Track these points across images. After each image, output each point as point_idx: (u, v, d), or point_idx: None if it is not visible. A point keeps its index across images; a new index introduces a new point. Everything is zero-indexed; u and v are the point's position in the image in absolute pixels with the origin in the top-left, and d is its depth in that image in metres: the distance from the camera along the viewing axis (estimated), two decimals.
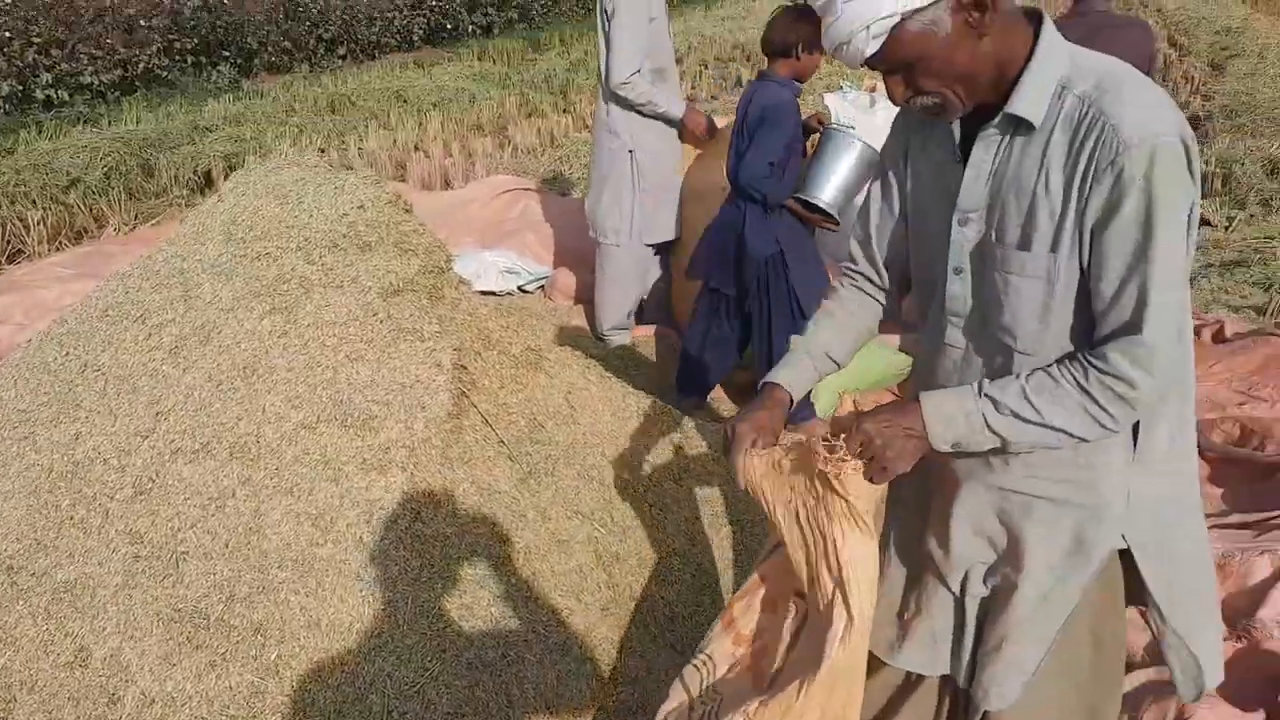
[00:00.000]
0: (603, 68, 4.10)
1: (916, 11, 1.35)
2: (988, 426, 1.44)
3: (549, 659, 2.26)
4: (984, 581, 1.69)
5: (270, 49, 12.24)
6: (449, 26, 15.15)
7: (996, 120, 1.45)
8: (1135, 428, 1.53)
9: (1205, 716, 2.22)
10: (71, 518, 2.44)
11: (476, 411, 2.61)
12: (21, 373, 2.93)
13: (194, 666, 2.17)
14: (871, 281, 1.77)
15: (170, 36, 11.05)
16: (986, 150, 1.47)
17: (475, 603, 2.26)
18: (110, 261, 5.08)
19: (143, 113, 9.25)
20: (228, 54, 11.70)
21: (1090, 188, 1.36)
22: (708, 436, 3.06)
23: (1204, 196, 6.74)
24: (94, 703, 2.18)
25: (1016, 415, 1.43)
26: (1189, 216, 1.38)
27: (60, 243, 6.03)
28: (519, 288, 5.14)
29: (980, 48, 1.39)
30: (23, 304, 4.62)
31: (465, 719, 2.11)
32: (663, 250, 4.52)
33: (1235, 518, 3.01)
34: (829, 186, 3.47)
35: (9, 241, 5.87)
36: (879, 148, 3.31)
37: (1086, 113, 1.37)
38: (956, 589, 1.72)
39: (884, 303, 1.78)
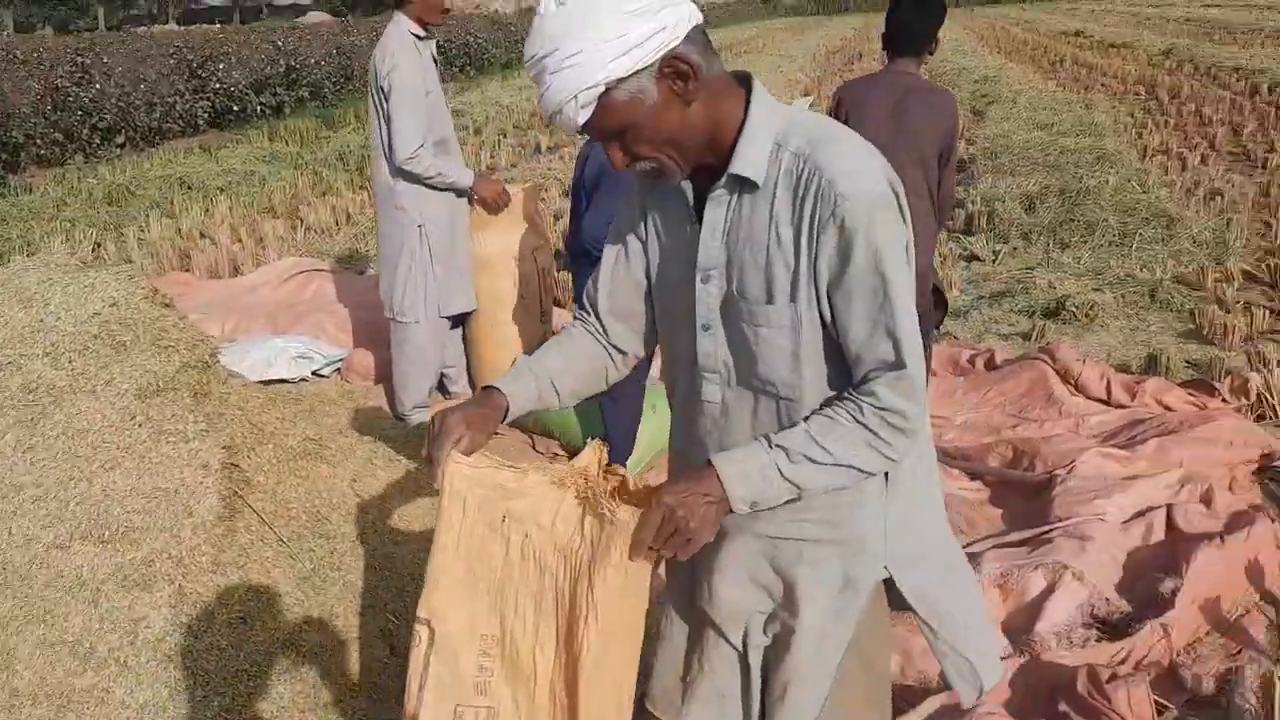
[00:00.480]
0: (385, 145, 4.06)
1: (621, 81, 1.38)
2: (783, 477, 1.46)
3: None
4: (764, 631, 1.71)
5: (39, 141, 11.55)
6: (236, 109, 14.73)
7: (723, 181, 1.49)
8: None
9: None
10: None
11: (251, 511, 2.48)
12: None
13: None
14: (600, 335, 1.77)
15: None
16: (717, 209, 1.51)
17: (257, 715, 2.13)
18: None
19: None
20: None
21: (818, 240, 1.42)
22: None
23: (971, 234, 7.22)
24: None
25: (809, 459, 1.45)
26: (906, 254, 1.47)
27: None
28: (314, 372, 4.96)
29: (689, 114, 1.43)
30: None
31: None
32: (460, 321, 4.48)
33: (1013, 536, 3.18)
34: None
35: None
36: None
37: (803, 168, 1.43)
38: (738, 642, 1.73)
39: (612, 359, 1.78)
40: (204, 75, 14.31)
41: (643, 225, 1.68)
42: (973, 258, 6.65)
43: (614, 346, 1.76)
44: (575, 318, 1.80)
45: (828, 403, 1.51)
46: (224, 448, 2.50)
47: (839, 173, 1.40)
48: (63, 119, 11.90)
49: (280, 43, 16.65)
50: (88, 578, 2.21)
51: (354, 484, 2.75)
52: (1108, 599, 2.87)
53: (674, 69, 1.40)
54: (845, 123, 3.34)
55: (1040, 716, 2.43)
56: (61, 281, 2.79)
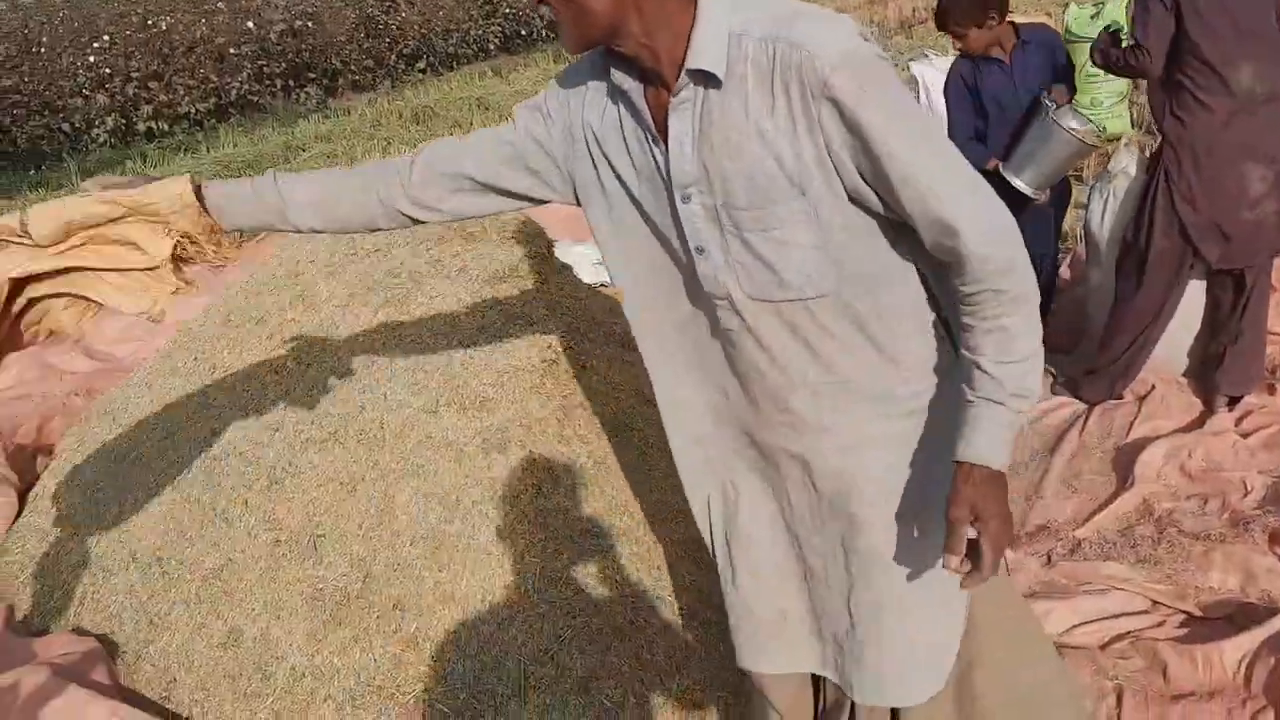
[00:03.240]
0: None
1: None
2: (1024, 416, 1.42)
3: (676, 622, 2.31)
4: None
5: (353, 68, 12.59)
6: (523, 33, 15.37)
7: (682, 84, 1.37)
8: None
9: None
10: (214, 509, 2.57)
11: (588, 389, 2.67)
12: (155, 379, 3.10)
13: (339, 641, 2.27)
14: (400, 177, 1.64)
15: (259, 63, 11.45)
16: (681, 120, 1.39)
17: (600, 570, 2.32)
18: (221, 276, 5.29)
19: (238, 137, 9.60)
20: (314, 76, 12.07)
21: (817, 119, 1.32)
22: None
23: None
24: (248, 679, 2.30)
25: (1029, 377, 1.39)
26: (913, 103, 1.38)
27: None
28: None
29: None
30: (142, 321, 4.84)
31: (600, 682, 2.17)
32: None
33: None
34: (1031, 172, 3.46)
35: None
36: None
37: (775, 52, 1.31)
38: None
39: (387, 205, 1.66)
40: (495, 1, 14.98)
41: (594, 146, 1.54)
42: None
43: (411, 196, 1.65)
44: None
45: (950, 309, 1.45)
46: (562, 332, 2.69)
47: (816, 45, 1.29)
48: (373, 47, 12.87)
49: None
50: (453, 439, 2.47)
51: None
52: None
53: None
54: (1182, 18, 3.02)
55: None
56: None
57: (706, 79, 1.35)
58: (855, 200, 1.38)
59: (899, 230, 1.43)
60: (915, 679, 1.60)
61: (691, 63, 1.34)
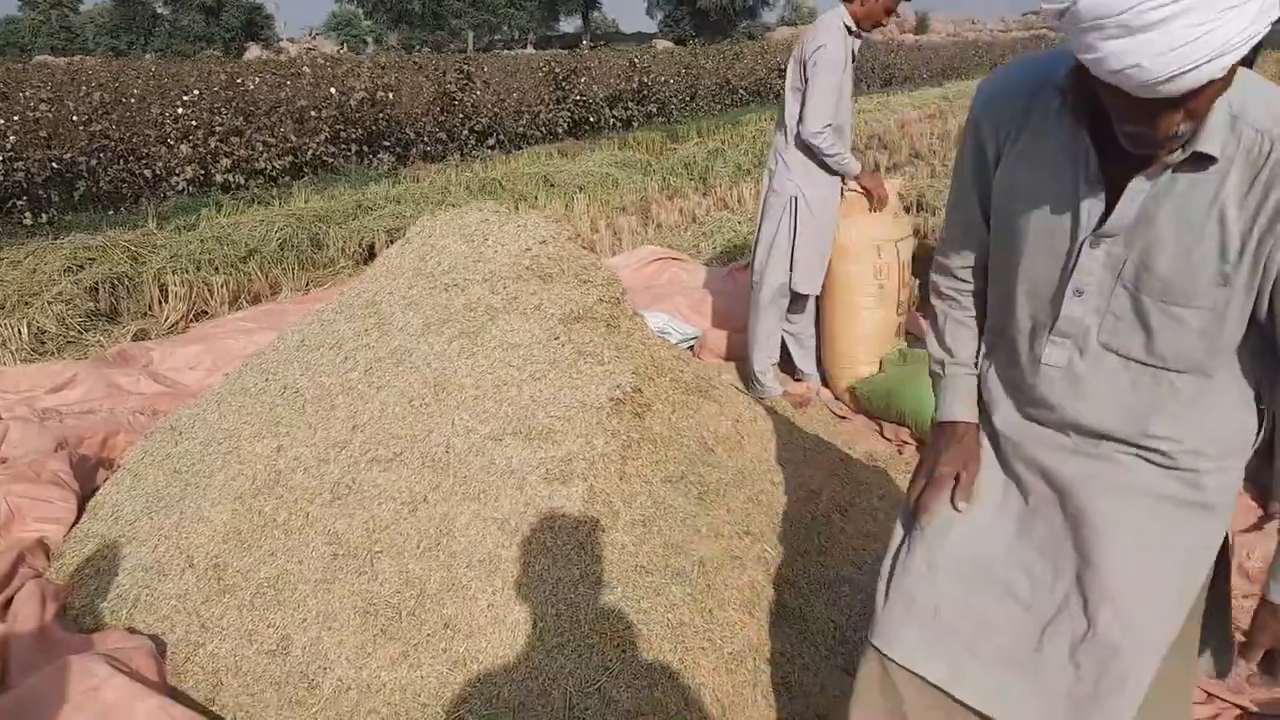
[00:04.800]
0: (790, 119, 4.23)
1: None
2: None
3: (724, 666, 2.28)
4: None
5: (426, 139, 12.98)
6: (591, 120, 15.79)
7: (1184, 157, 1.38)
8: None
9: None
10: (274, 520, 2.61)
11: (651, 431, 2.69)
12: (225, 397, 3.17)
13: (387, 656, 2.27)
14: (975, 293, 1.77)
15: (337, 127, 11.83)
16: (1148, 178, 1.41)
17: (653, 608, 2.31)
18: (287, 317, 5.42)
19: (310, 195, 9.88)
20: (388, 144, 12.45)
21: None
22: (869, 476, 3.07)
23: None
24: (294, 687, 2.30)
25: None
26: None
27: (240, 304, 6.47)
28: None
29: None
30: (211, 352, 4.96)
31: (645, 717, 2.15)
32: (815, 306, 4.58)
33: None
34: None
35: (195, 303, 6.32)
36: None
37: (1271, 150, 1.34)
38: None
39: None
40: (567, 88, 15.45)
41: (994, 166, 1.60)
42: None
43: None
44: (944, 291, 1.79)
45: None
46: (631, 373, 2.73)
47: None
48: (447, 121, 13.28)
49: (636, 60, 17.69)
50: (516, 467, 2.50)
51: (737, 424, 2.91)
52: None
53: None
54: None
55: None
56: (498, 222, 3.16)
57: (1202, 159, 1.37)
58: (1253, 308, 1.44)
59: (1261, 338, 1.49)
60: None
61: (1201, 145, 1.35)
